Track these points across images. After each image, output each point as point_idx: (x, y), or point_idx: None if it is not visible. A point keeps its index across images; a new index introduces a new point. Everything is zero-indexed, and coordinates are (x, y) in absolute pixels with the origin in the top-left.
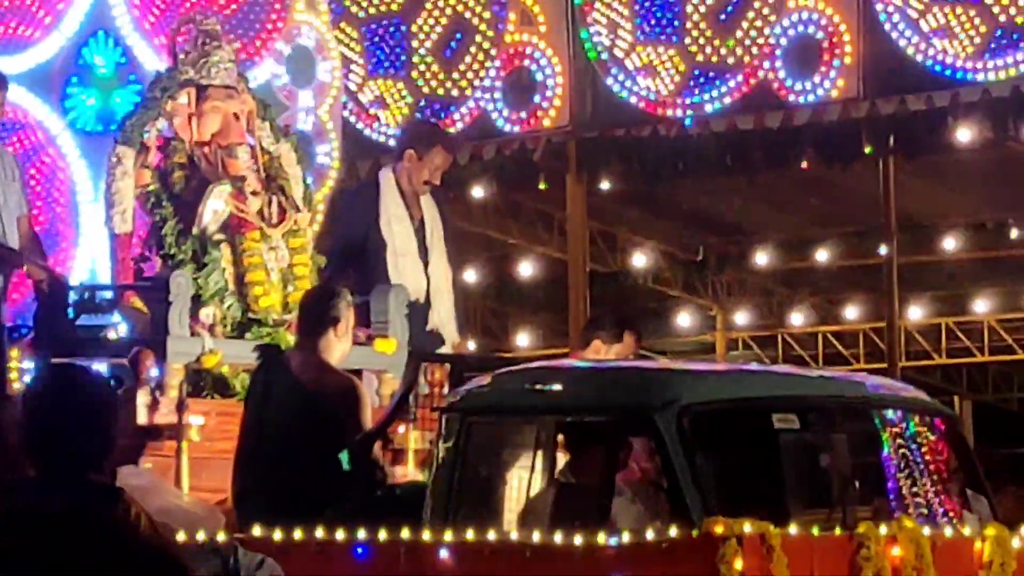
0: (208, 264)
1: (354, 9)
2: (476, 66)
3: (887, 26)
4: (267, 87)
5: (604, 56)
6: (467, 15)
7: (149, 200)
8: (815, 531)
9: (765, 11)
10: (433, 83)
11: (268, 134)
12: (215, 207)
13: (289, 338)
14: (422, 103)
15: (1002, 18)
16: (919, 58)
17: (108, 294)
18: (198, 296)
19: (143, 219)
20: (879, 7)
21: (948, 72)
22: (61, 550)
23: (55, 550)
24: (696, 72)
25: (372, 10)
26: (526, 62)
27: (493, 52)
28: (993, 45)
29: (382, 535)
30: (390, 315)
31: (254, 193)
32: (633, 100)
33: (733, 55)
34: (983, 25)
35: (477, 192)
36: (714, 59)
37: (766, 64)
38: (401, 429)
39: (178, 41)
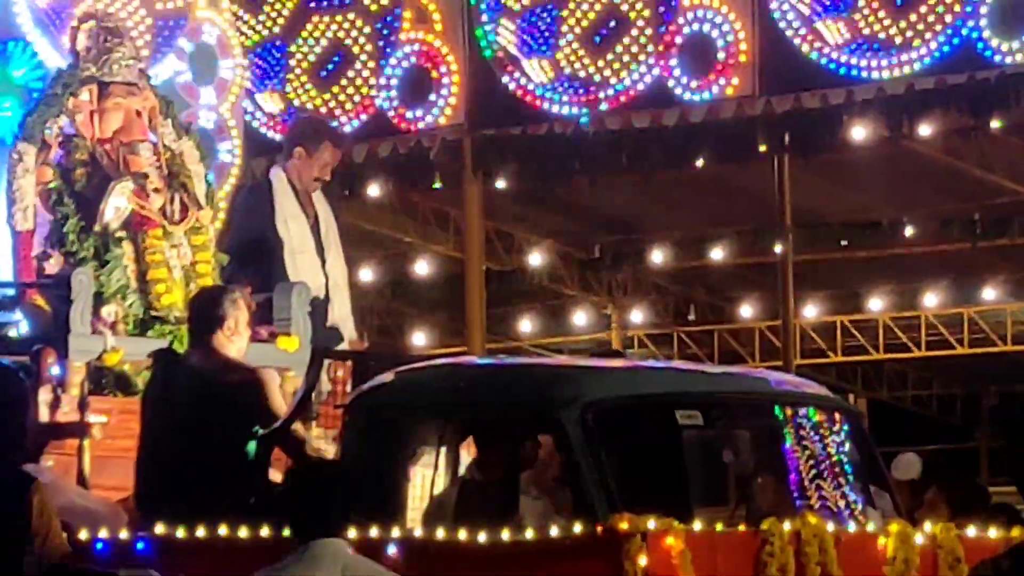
0: (110, 261)
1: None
2: (351, 89)
3: (782, 24)
4: (169, 84)
5: (500, 54)
6: (347, 41)
7: (51, 197)
8: (719, 527)
9: (654, 21)
10: (305, 98)
11: (170, 131)
12: (117, 204)
13: None
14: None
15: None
16: (814, 56)
17: (10, 292)
18: (100, 294)
19: (44, 216)
20: (774, 5)
21: (843, 70)
22: None
23: None
24: (599, 64)
25: (255, 36)
26: (422, 60)
27: (372, 80)
28: (898, 40)
29: (285, 532)
30: (292, 312)
31: (156, 190)
32: (528, 98)
33: (627, 55)
34: (886, 19)
35: (373, 191)
36: (600, 63)
37: (662, 62)
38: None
39: (80, 38)
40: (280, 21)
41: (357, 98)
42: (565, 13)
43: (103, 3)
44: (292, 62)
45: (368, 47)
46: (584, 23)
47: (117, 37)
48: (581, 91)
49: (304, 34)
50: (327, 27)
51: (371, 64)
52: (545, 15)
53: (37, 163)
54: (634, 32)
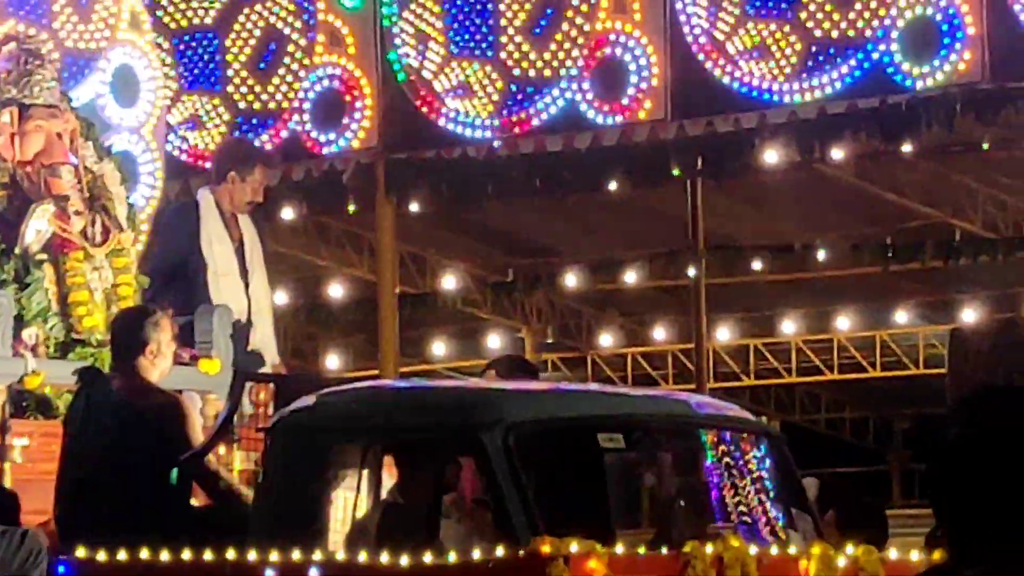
0: (31, 284)
1: (166, 20)
2: (291, 78)
3: (694, 48)
4: (90, 106)
5: (413, 78)
6: (279, 25)
7: None
8: (642, 550)
9: (573, 33)
10: (250, 97)
11: (91, 153)
12: (38, 227)
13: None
14: (239, 119)
15: (817, 33)
16: (726, 80)
17: None
18: (21, 316)
19: None
20: (686, 29)
21: (755, 94)
22: None
23: None
24: (512, 88)
25: (184, 22)
26: (335, 84)
27: (306, 63)
28: (810, 63)
29: (207, 555)
30: (214, 335)
31: (77, 213)
32: (442, 122)
33: (549, 68)
34: (797, 44)
35: (287, 214)
36: (531, 73)
37: (574, 86)
38: (223, 449)
39: (0, 60)
40: (212, 13)
41: (297, 86)
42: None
43: (23, 25)
44: (228, 57)
45: (297, 24)
46: (518, 20)
47: (38, 59)
48: (495, 114)
49: (237, 27)
50: (259, 16)
51: (302, 44)
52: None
53: None
54: (547, 55)
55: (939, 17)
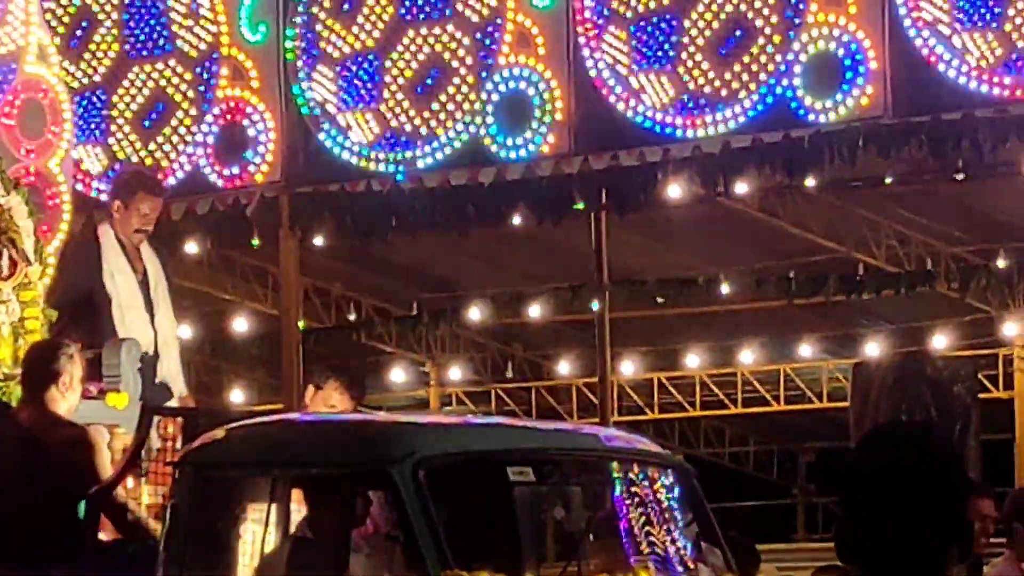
0: None
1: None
2: (176, 138)
3: (597, 82)
4: None
5: (316, 111)
6: (168, 89)
7: None
8: None
9: (470, 79)
10: (129, 150)
11: None
12: None
13: (19, 392)
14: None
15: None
16: (629, 114)
17: None
18: None
19: None
20: (589, 63)
21: (659, 128)
22: None
23: None
24: (403, 129)
25: (76, 84)
26: (238, 117)
27: (196, 121)
28: (724, 94)
29: None
30: (122, 369)
31: None
32: (345, 155)
33: (444, 112)
34: (709, 72)
35: (191, 247)
36: (417, 122)
37: (478, 120)
38: (131, 483)
39: None
40: (101, 70)
41: (181, 146)
42: (388, 63)
43: None
44: (114, 112)
45: (190, 93)
46: (407, 73)
47: None
48: (398, 148)
49: (126, 84)
50: (148, 76)
51: (193, 112)
52: (367, 64)
53: None
54: (456, 80)
55: (841, 52)
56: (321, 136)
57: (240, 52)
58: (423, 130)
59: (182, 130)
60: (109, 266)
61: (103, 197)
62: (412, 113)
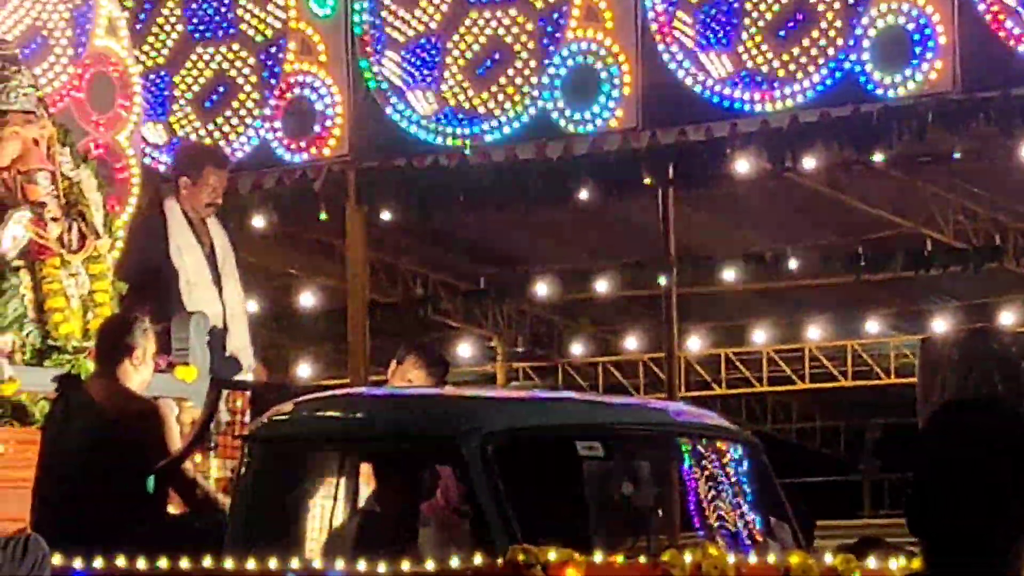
0: (7, 291)
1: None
2: (236, 120)
3: (665, 56)
4: (67, 112)
5: (383, 86)
6: (231, 72)
7: None
8: (620, 559)
9: (534, 58)
10: (188, 129)
11: (68, 160)
12: (14, 233)
13: (89, 365)
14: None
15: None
16: (698, 89)
17: None
18: None
19: None
20: (657, 37)
21: (727, 103)
22: None
23: None
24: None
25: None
26: (306, 91)
27: (260, 102)
28: (783, 74)
29: (184, 563)
30: (190, 342)
31: (54, 219)
32: (412, 129)
33: (511, 86)
34: (768, 53)
35: (258, 222)
36: (477, 101)
37: (545, 94)
38: (200, 457)
39: None
40: (165, 52)
41: (241, 128)
42: (450, 45)
43: None
44: (176, 92)
45: (252, 78)
46: (468, 55)
47: (14, 65)
48: (466, 123)
49: (188, 65)
50: (211, 58)
51: (255, 96)
52: (429, 47)
53: None
54: (518, 64)
55: (911, 26)
56: (388, 110)
57: (308, 26)
58: (490, 104)
59: (243, 112)
60: (176, 241)
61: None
62: (471, 93)
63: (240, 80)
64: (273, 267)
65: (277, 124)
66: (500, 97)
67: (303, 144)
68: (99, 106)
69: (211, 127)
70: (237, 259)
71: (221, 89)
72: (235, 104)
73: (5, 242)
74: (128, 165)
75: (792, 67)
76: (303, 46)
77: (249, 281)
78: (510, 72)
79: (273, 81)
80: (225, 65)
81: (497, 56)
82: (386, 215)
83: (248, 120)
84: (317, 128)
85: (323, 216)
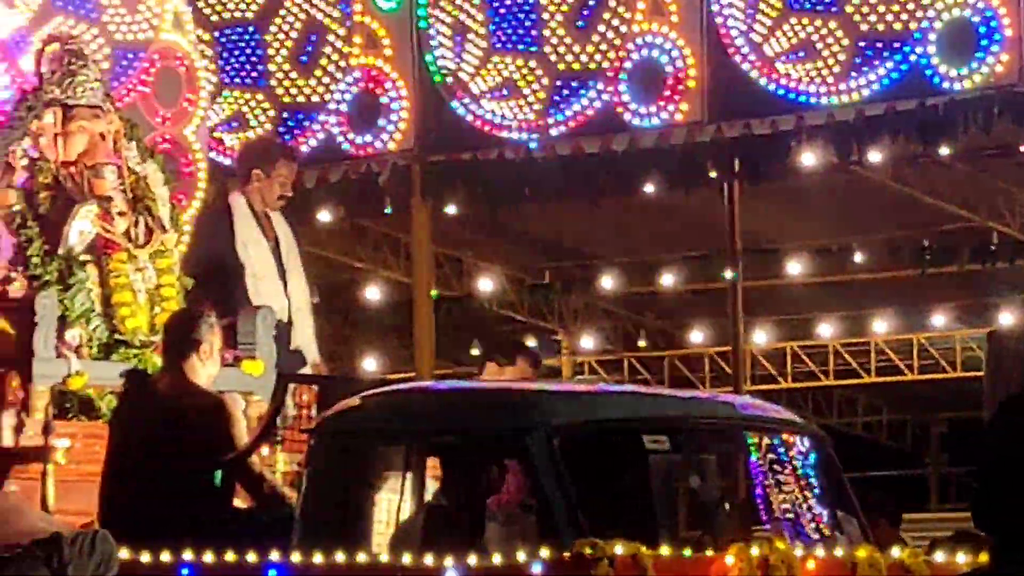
0: (74, 285)
1: (207, 11)
2: (332, 68)
3: (731, 50)
4: (133, 107)
5: (449, 80)
6: (319, 17)
7: (14, 220)
8: (686, 552)
9: (610, 35)
10: (293, 90)
11: (135, 154)
12: (81, 228)
13: (156, 360)
14: (284, 114)
15: (864, 27)
16: (763, 82)
17: None
18: (64, 317)
19: (8, 239)
20: (723, 31)
21: (792, 96)
22: None
23: None
24: (558, 84)
25: (227, 15)
26: (372, 85)
27: (344, 61)
28: (855, 61)
29: (250, 557)
30: (257, 336)
31: (121, 214)
32: (478, 123)
33: (593, 62)
34: (844, 39)
35: (323, 216)
36: (575, 66)
37: (611, 88)
38: (266, 451)
39: (44, 60)
40: (252, 7)
41: (343, 64)
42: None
43: (67, 26)
44: (270, 51)
45: (335, 12)
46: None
47: (81, 60)
48: (531, 116)
49: (278, 20)
50: (300, 9)
51: (341, 24)
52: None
53: (0, 186)
54: (584, 57)
55: (977, 19)
56: (453, 104)
57: (373, 20)
58: (558, 96)
59: (335, 56)
60: (241, 235)
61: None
62: (556, 72)
63: (327, 22)
64: (338, 261)
65: (343, 118)
66: (591, 65)
67: (369, 138)
68: (165, 100)
69: (312, 82)
70: (302, 253)
71: (312, 39)
72: (328, 51)
73: (72, 237)
74: (194, 159)
75: (858, 60)
76: (369, 40)
77: (314, 275)
78: (583, 58)
79: (339, 75)
80: (313, 11)
81: (591, 6)
82: (451, 208)
83: (343, 64)
84: (383, 122)
85: (388, 210)
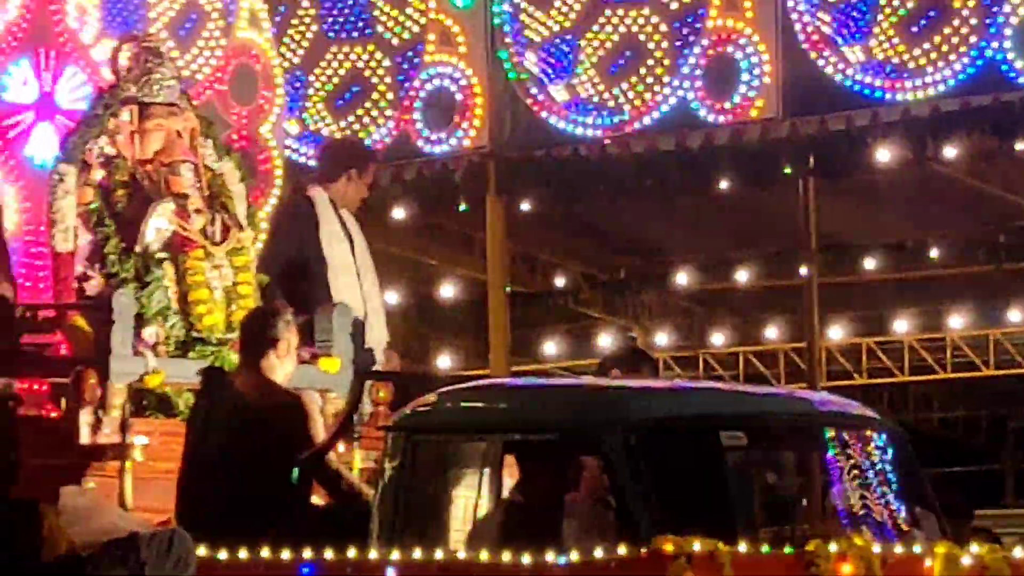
0: (151, 283)
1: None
2: (368, 119)
3: (806, 45)
4: (210, 104)
5: (523, 76)
6: (366, 72)
7: (91, 218)
8: (765, 549)
9: (670, 50)
10: (320, 124)
11: (211, 152)
12: (158, 225)
13: (232, 357)
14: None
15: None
16: (838, 78)
17: (51, 313)
18: (141, 315)
19: (85, 237)
20: (797, 26)
21: (868, 91)
22: None
23: None
24: (609, 97)
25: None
26: (446, 83)
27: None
28: (923, 62)
29: (328, 554)
30: (334, 334)
31: (197, 211)
32: (552, 120)
33: (651, 76)
34: (900, 46)
35: (398, 213)
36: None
37: (684, 84)
38: (343, 448)
39: (121, 58)
40: (300, 51)
41: (381, 120)
42: (585, 41)
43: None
44: (310, 91)
45: (391, 73)
46: (601, 52)
47: (158, 58)
48: (604, 114)
49: (323, 64)
50: (346, 58)
51: (390, 96)
52: (564, 45)
53: (78, 184)
54: (655, 57)
55: None
56: (528, 101)
57: (448, 18)
58: (630, 94)
59: (375, 112)
60: (326, 231)
61: (309, 162)
62: (608, 84)
63: (374, 80)
64: (413, 258)
65: (417, 116)
66: (639, 88)
67: (443, 135)
68: (241, 98)
69: (342, 124)
70: (376, 250)
71: (355, 88)
72: (367, 104)
73: (149, 234)
74: (271, 157)
75: (933, 55)
76: (443, 37)
77: (389, 272)
78: (650, 63)
79: (412, 72)
80: (360, 65)
81: (630, 54)
82: (526, 205)
83: (380, 120)
84: (457, 119)
85: (463, 207)
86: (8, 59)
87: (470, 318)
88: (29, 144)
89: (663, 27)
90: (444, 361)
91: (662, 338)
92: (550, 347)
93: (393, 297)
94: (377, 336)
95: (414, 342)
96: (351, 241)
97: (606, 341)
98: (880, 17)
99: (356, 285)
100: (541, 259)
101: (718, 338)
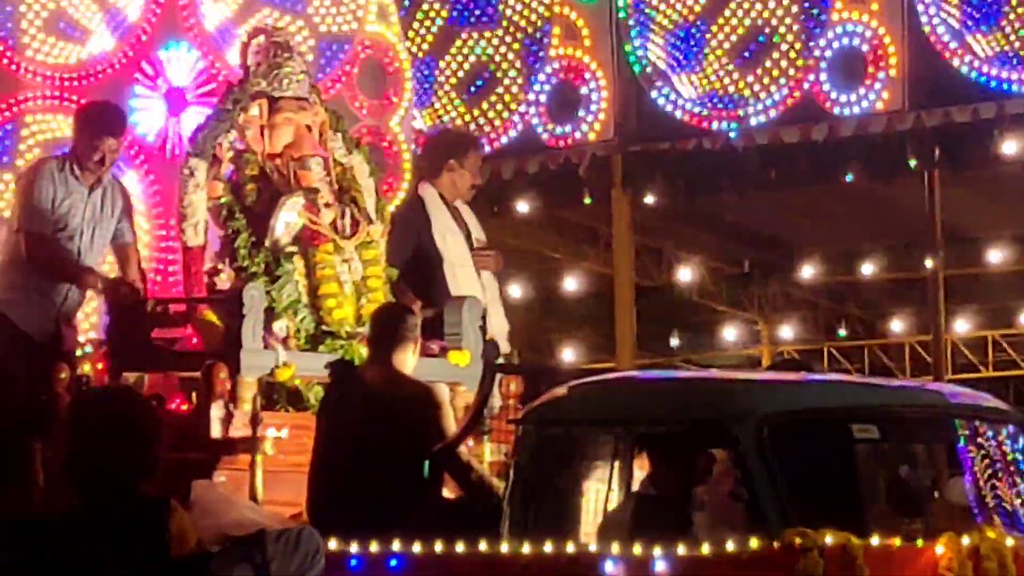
0: (281, 276)
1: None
2: (500, 106)
3: (931, 38)
4: (339, 98)
5: (648, 70)
6: (496, 58)
7: (221, 213)
8: (897, 542)
9: (799, 39)
10: (454, 114)
11: (340, 146)
12: (288, 219)
13: (362, 351)
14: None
15: None
16: (964, 70)
17: (181, 307)
18: (271, 309)
19: (215, 232)
20: (923, 19)
21: (994, 83)
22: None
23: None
24: (735, 90)
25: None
26: (571, 76)
27: (523, 87)
28: None
29: (459, 547)
30: (463, 327)
31: (327, 205)
32: (678, 113)
33: (776, 69)
34: None
35: (522, 207)
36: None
37: (811, 77)
38: (473, 441)
39: (250, 53)
40: (429, 39)
41: (506, 114)
42: (714, 29)
43: (272, 18)
44: (441, 79)
45: (517, 64)
46: (733, 39)
47: (287, 52)
48: (730, 106)
49: (453, 51)
50: (475, 45)
51: (519, 81)
52: (695, 32)
53: (208, 178)
54: (783, 47)
55: None
56: (653, 94)
57: (572, 11)
58: (756, 87)
59: (507, 98)
60: (438, 225)
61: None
62: (736, 76)
63: (505, 65)
64: (537, 251)
65: (542, 109)
66: (766, 80)
67: (568, 128)
68: (370, 91)
69: (476, 113)
70: (500, 244)
71: (485, 75)
72: (499, 90)
73: (279, 228)
74: (400, 151)
75: None
76: (567, 31)
77: (513, 266)
78: (775, 55)
79: (537, 67)
80: (490, 51)
81: (761, 39)
82: (650, 199)
83: (512, 106)
84: (582, 112)
85: (587, 200)
86: (140, 54)
87: (593, 311)
88: (159, 138)
89: (791, 15)
90: (568, 354)
91: (787, 331)
92: (674, 340)
93: (517, 290)
94: (498, 326)
95: (537, 335)
96: (468, 233)
97: (731, 334)
98: (1007, 8)
99: (475, 278)
100: (666, 252)
101: (843, 331)
